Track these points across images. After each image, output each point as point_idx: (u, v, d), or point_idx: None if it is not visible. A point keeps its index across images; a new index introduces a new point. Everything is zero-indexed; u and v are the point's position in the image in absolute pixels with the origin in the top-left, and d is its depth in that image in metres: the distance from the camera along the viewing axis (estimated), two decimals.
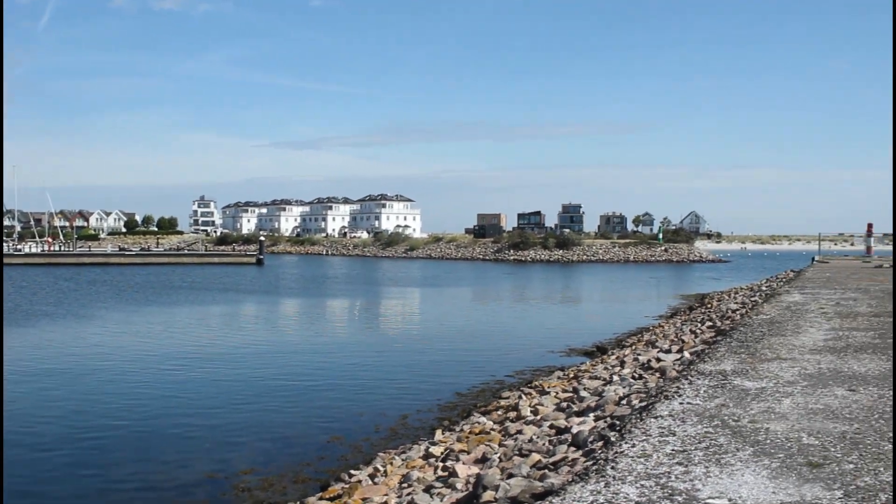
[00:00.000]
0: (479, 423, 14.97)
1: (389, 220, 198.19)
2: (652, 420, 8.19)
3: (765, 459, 6.68)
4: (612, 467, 6.49)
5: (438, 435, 15.12)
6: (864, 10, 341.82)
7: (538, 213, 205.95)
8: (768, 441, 7.28)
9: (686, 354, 15.42)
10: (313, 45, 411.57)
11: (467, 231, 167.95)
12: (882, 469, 6.41)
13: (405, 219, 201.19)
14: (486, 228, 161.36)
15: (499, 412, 16.12)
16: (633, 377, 14.92)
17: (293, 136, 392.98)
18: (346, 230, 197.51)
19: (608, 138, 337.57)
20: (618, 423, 9.08)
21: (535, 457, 9.13)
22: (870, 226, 66.04)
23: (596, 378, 16.69)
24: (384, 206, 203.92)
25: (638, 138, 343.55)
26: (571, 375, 19.49)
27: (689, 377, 10.69)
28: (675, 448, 7.04)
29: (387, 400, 20.49)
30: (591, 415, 11.39)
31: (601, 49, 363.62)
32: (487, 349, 29.96)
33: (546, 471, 8.12)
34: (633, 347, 23.09)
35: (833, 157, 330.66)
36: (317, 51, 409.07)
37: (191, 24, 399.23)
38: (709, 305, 36.05)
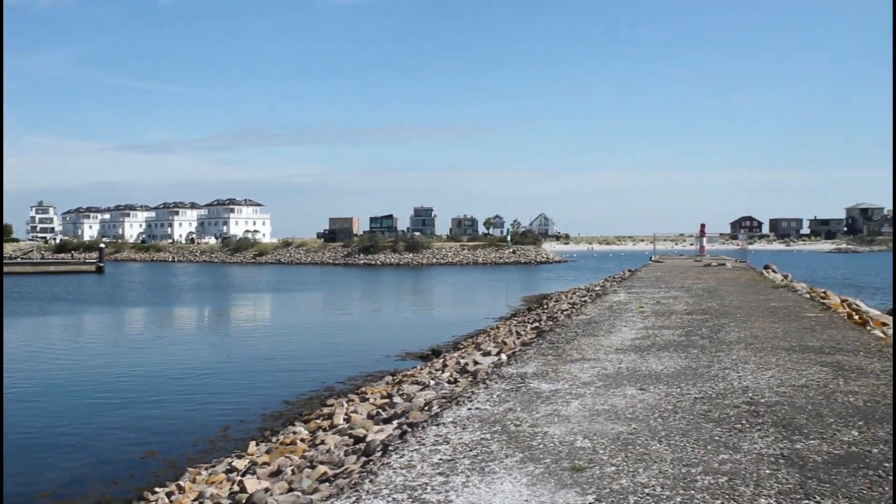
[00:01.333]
0: (295, 432, 14.55)
1: (238, 225, 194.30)
2: (433, 428, 8.01)
3: (530, 466, 6.57)
4: (371, 480, 6.24)
5: (252, 447, 14.65)
6: (692, 12, 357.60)
7: (390, 216, 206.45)
8: (541, 446, 7.19)
9: (503, 357, 15.43)
10: (161, 45, 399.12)
11: (319, 235, 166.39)
12: (641, 470, 6.39)
13: (255, 224, 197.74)
14: (336, 233, 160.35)
15: (318, 420, 15.75)
16: (449, 381, 14.83)
17: (140, 138, 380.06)
18: (194, 236, 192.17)
19: (461, 141, 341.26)
20: (409, 430, 8.86)
21: (322, 469, 8.82)
22: (702, 227, 68.97)
23: (417, 383, 16.53)
24: (233, 210, 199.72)
25: (491, 141, 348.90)
26: (396, 380, 19.29)
27: (489, 381, 10.60)
28: (444, 457, 6.86)
29: (212, 411, 19.80)
30: (395, 422, 11.19)
31: (452, 51, 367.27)
32: (325, 355, 29.48)
33: (326, 483, 7.81)
34: (463, 350, 23.11)
35: (674, 160, 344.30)
36: (164, 51, 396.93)
37: (30, 20, 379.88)
38: (544, 307, 36.60)
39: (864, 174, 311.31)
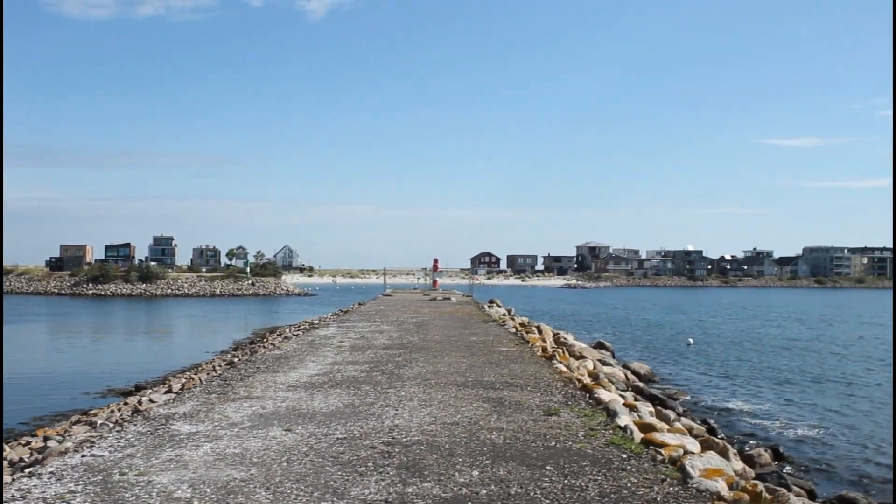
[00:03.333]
0: None
1: None
2: (26, 480, 7.10)
3: None
4: None
5: None
6: (439, 62, 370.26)
7: (128, 244, 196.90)
8: (133, 498, 6.51)
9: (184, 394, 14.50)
10: None
11: (46, 263, 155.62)
12: None
13: None
14: (65, 261, 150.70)
15: None
16: (118, 422, 13.70)
17: None
18: None
19: (208, 170, 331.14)
20: None
21: None
22: (435, 261, 70.48)
23: (89, 424, 15.24)
24: None
25: (239, 171, 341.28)
26: (74, 421, 17.79)
27: (125, 424, 9.75)
28: None
29: None
30: (28, 471, 10.02)
31: (199, 79, 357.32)
32: (17, 393, 26.99)
33: None
34: (160, 387, 21.81)
35: (420, 196, 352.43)
36: None
37: None
38: (265, 340, 35.65)
39: (593, 214, 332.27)
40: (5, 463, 12.28)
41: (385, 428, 9.37)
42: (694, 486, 7.45)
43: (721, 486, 7.81)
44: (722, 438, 18.42)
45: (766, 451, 16.98)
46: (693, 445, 10.07)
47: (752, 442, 19.07)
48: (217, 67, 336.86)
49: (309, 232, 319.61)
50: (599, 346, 36.43)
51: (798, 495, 13.87)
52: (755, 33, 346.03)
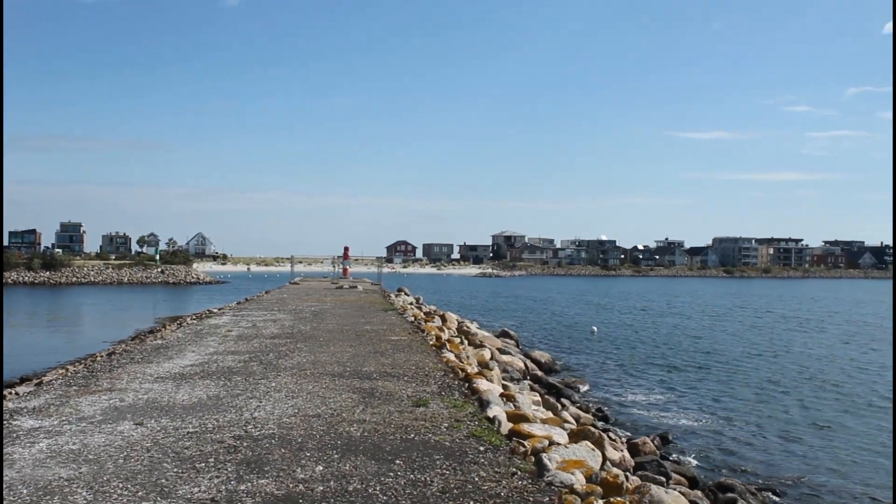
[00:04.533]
0: None
1: None
2: None
3: None
4: None
5: None
6: (363, 48, 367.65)
7: (33, 231, 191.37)
8: None
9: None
10: None
11: None
12: None
13: None
14: None
15: None
16: None
17: None
18: None
19: (118, 155, 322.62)
20: None
21: None
22: (346, 249, 69.80)
23: None
24: None
25: (152, 157, 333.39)
26: None
27: None
28: None
29: None
30: None
31: (109, 61, 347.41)
32: None
33: None
34: (31, 381, 20.97)
35: (339, 185, 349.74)
36: None
37: None
38: (163, 329, 34.74)
39: (509, 205, 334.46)
40: None
41: (242, 421, 9.02)
42: (548, 479, 7.29)
43: (577, 478, 7.66)
44: (605, 428, 18.53)
45: (653, 438, 17.08)
46: (560, 436, 9.92)
47: (643, 429, 19.23)
48: (129, 52, 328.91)
49: (224, 219, 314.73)
50: (504, 334, 36.45)
51: (677, 483, 13.98)
52: (668, 28, 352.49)
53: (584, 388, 24.66)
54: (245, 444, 7.94)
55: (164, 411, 9.58)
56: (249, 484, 6.58)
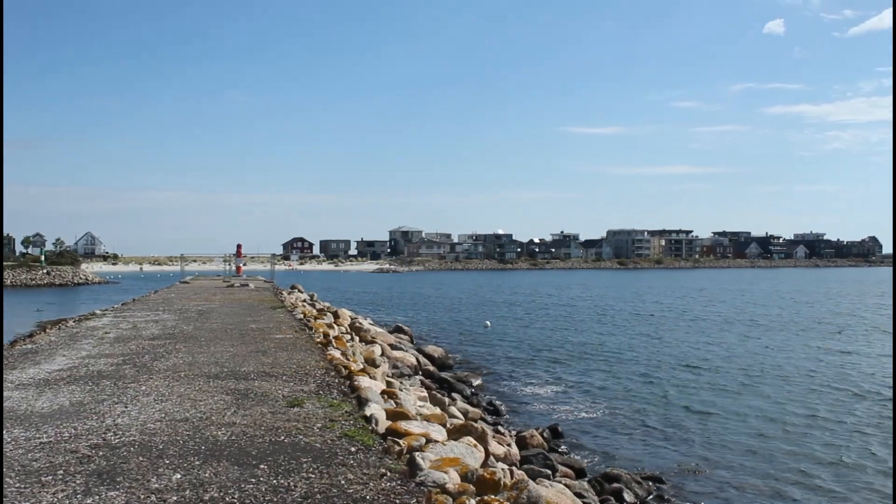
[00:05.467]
0: None
1: None
2: None
3: None
4: None
5: None
6: (270, 43, 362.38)
7: None
8: None
9: None
10: None
11: None
12: None
13: None
14: None
15: None
16: None
17: None
18: None
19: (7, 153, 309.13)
20: None
21: None
22: (238, 247, 68.39)
23: None
24: None
25: (37, 155, 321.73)
26: None
27: None
28: None
29: None
30: None
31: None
32: None
33: None
34: None
35: (231, 183, 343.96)
36: None
37: None
38: (43, 332, 33.36)
39: (406, 200, 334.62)
40: None
41: (102, 428, 8.53)
42: (420, 479, 7.06)
43: (451, 476, 7.46)
44: (495, 422, 18.51)
45: (542, 431, 17.09)
46: (439, 433, 9.73)
47: (536, 421, 19.26)
48: (10, 44, 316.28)
49: (115, 219, 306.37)
50: (398, 330, 36.23)
51: (564, 475, 13.99)
52: (561, 25, 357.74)
53: (476, 382, 24.63)
54: (101, 453, 7.49)
55: (19, 421, 9.00)
56: (97, 497, 6.16)
